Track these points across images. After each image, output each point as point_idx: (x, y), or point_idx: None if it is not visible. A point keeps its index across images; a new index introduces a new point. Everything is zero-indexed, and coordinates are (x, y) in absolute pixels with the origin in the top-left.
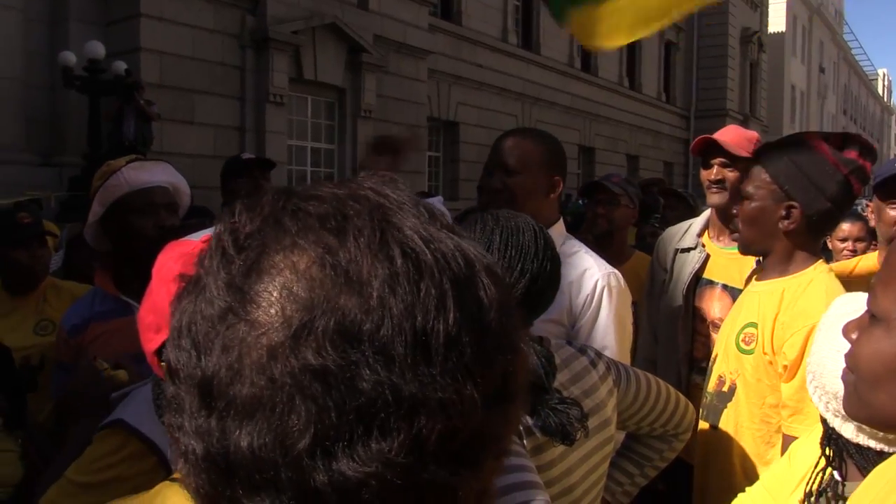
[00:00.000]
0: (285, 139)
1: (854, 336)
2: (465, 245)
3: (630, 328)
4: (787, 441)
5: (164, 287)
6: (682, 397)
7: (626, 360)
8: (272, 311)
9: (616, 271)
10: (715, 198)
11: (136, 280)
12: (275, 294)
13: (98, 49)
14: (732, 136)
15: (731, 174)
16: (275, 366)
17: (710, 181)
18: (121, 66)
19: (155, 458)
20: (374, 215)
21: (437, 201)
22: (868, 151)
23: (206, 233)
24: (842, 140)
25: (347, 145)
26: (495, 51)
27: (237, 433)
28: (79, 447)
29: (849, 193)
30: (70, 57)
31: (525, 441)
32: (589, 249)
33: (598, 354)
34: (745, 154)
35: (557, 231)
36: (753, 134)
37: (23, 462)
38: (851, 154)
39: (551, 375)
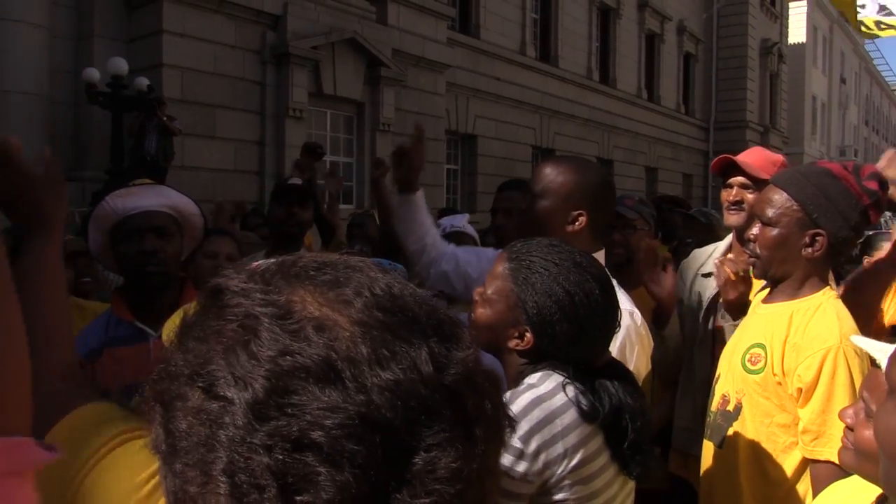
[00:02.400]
0: None
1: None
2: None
3: None
4: (815, 468)
5: None
6: None
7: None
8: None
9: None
10: (732, 218)
11: (147, 306)
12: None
13: (121, 65)
14: (755, 158)
15: (751, 196)
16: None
17: (728, 202)
18: (143, 81)
19: None
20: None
21: (462, 219)
22: (884, 183)
23: None
24: (853, 170)
25: (366, 159)
26: (513, 64)
27: None
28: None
29: (867, 222)
30: (94, 73)
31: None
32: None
33: None
34: (766, 177)
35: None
36: (779, 157)
37: None
38: (872, 185)
39: None
